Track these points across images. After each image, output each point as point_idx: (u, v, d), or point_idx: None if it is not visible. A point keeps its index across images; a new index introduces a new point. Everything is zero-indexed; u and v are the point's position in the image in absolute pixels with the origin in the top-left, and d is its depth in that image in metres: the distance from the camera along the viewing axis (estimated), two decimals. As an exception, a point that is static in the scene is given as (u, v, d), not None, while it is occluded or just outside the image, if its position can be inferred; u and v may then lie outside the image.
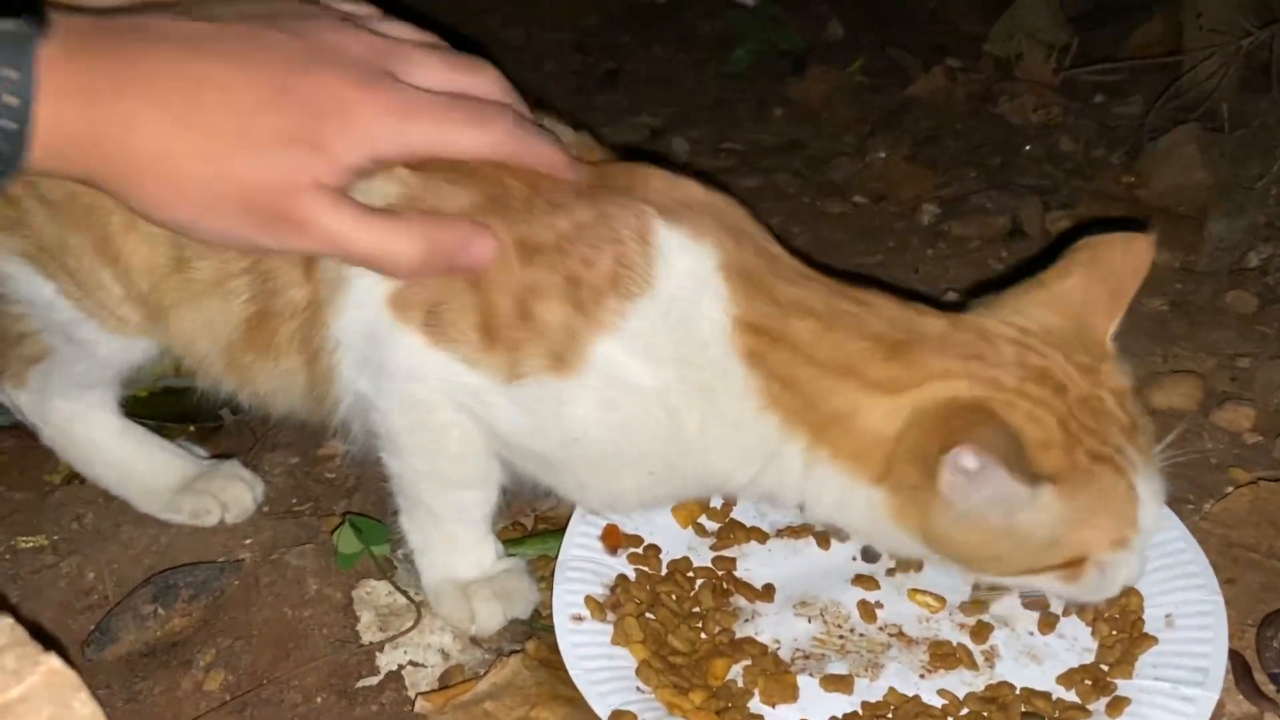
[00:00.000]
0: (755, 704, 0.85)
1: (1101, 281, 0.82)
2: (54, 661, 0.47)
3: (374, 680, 0.90)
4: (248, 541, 1.04)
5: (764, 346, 0.79)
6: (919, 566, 0.95)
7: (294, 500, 1.12)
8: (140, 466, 1.07)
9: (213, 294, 0.87)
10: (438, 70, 0.80)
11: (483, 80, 0.82)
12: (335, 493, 1.12)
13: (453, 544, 0.94)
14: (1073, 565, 0.78)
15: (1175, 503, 0.98)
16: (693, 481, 0.88)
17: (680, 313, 0.80)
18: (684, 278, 0.80)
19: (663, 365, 0.80)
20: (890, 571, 0.95)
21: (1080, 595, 0.82)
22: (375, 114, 0.75)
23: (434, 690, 0.89)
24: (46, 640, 0.49)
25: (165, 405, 1.25)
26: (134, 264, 0.88)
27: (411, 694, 0.89)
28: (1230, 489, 1.02)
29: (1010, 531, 0.77)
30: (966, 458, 0.73)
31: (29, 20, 0.67)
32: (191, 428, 1.24)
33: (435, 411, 0.86)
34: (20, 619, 0.50)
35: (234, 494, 1.06)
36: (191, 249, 0.86)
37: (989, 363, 0.78)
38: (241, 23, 0.75)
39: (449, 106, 0.78)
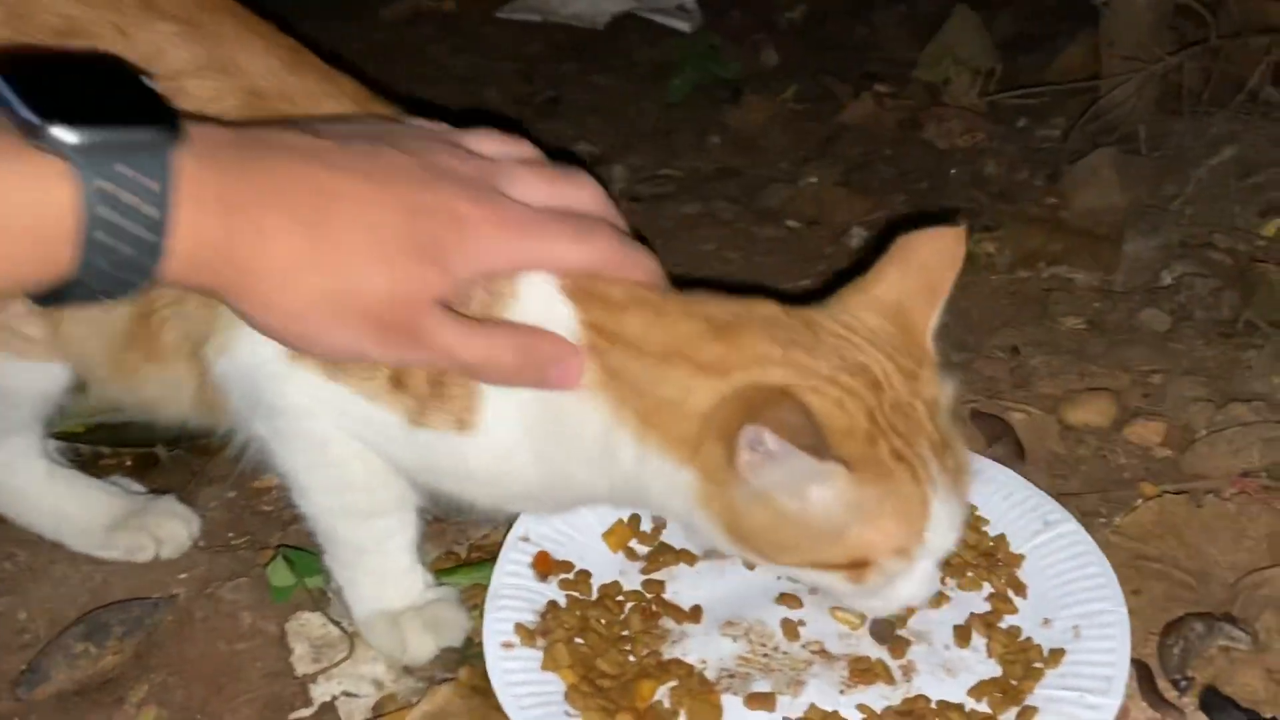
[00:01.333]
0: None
1: (915, 278, 0.83)
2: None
3: (308, 712, 0.92)
4: (182, 576, 1.05)
5: (604, 344, 0.81)
6: (841, 585, 0.98)
7: (230, 534, 1.13)
8: (72, 508, 1.07)
9: None
10: (540, 185, 0.81)
11: (581, 193, 0.83)
12: (272, 526, 1.13)
13: (379, 575, 0.96)
14: (857, 567, 0.79)
15: (1086, 516, 1.02)
16: (568, 498, 0.91)
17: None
18: (537, 302, 0.82)
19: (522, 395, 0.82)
20: (813, 590, 0.98)
21: (865, 602, 0.84)
22: (490, 231, 0.76)
23: (366, 720, 0.90)
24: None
25: (100, 438, 1.26)
26: None
27: (345, 724, 0.90)
28: (1139, 502, 1.06)
29: (801, 517, 0.77)
30: (756, 436, 0.74)
31: (165, 127, 0.66)
32: (128, 461, 1.25)
33: (330, 445, 0.88)
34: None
35: (169, 530, 1.07)
36: None
37: (809, 351, 0.79)
38: (358, 140, 0.76)
39: (553, 221, 0.79)
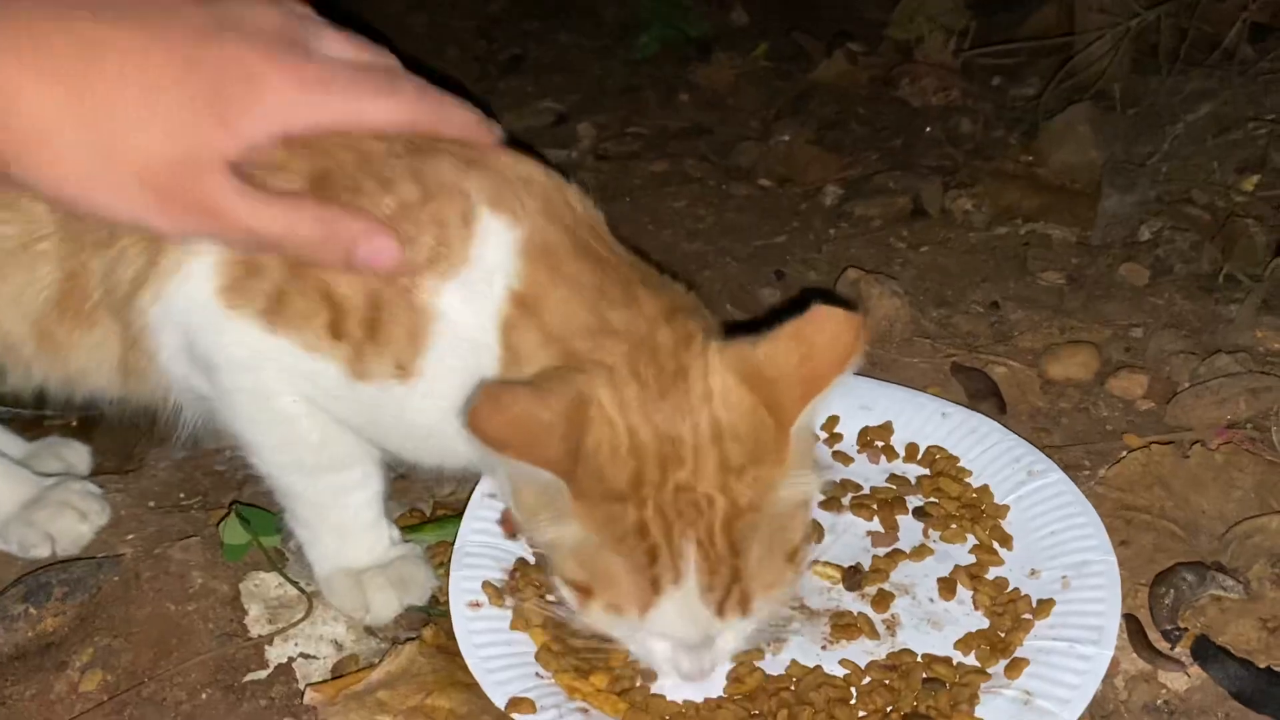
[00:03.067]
0: (657, 683, 0.83)
1: (801, 362, 0.74)
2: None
3: (263, 674, 0.87)
4: (129, 537, 1.00)
5: (518, 316, 0.77)
6: (820, 537, 0.95)
7: (181, 495, 1.08)
8: None
9: (20, 258, 0.81)
10: (344, 45, 0.77)
11: (386, 57, 0.79)
12: (225, 486, 1.08)
13: (341, 531, 0.91)
14: (585, 592, 0.76)
15: (1070, 469, 0.99)
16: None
17: (480, 290, 0.78)
18: (493, 256, 0.78)
19: (462, 347, 0.78)
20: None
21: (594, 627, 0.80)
22: (286, 86, 0.72)
23: (324, 681, 0.85)
24: None
25: (42, 400, 1.20)
26: None
27: (303, 686, 0.86)
28: (1124, 454, 1.03)
29: (544, 504, 0.75)
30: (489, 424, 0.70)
31: None
32: (74, 421, 1.19)
33: (275, 398, 0.83)
34: None
35: (62, 525, 0.98)
36: None
37: (642, 396, 0.74)
38: None
39: (359, 77, 0.75)
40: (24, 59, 0.66)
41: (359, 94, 0.75)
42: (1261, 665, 0.83)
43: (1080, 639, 0.83)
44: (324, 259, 0.76)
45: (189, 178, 0.70)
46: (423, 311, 0.78)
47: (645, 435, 0.73)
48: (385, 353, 0.79)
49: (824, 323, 0.74)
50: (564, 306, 0.77)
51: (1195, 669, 0.84)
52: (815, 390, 0.74)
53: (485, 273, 0.78)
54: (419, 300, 0.77)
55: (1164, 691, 0.83)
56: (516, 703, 0.79)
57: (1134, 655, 0.85)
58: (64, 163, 0.68)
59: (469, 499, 0.96)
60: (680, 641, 0.77)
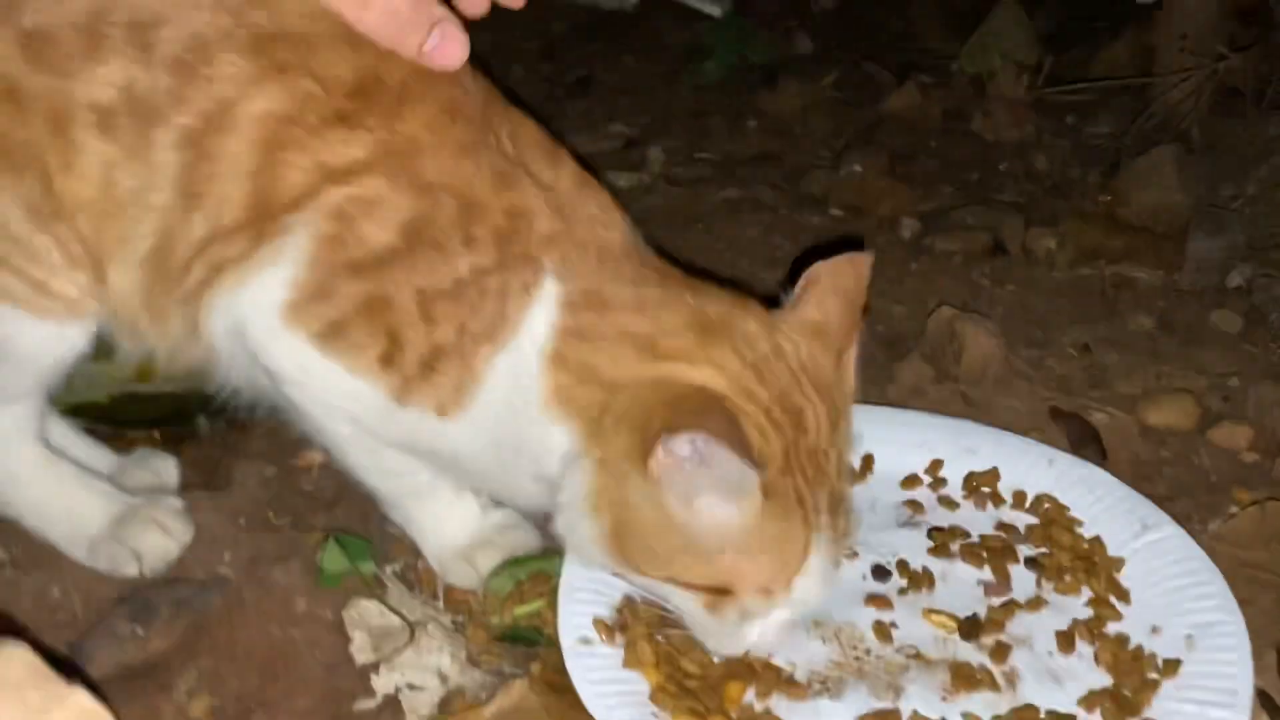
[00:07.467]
0: (776, 728, 0.82)
1: (841, 305, 0.83)
2: (82, 698, 0.42)
3: (371, 704, 0.85)
4: (226, 557, 0.98)
5: (570, 347, 0.81)
6: (931, 585, 0.93)
7: (271, 513, 1.06)
8: (58, 509, 0.96)
9: (128, 210, 0.84)
10: None
11: None
12: (315, 505, 1.07)
13: (432, 514, 0.95)
14: (718, 594, 0.79)
15: (1179, 521, 0.97)
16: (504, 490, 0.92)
17: (526, 350, 0.82)
18: (541, 316, 0.82)
19: (504, 394, 0.82)
20: (902, 591, 0.93)
21: (709, 632, 0.83)
22: None
23: (435, 717, 0.84)
24: (64, 667, 0.45)
25: (129, 411, 1.19)
26: (72, 203, 0.84)
27: (411, 718, 0.84)
28: (1234, 509, 1.02)
29: (685, 529, 0.77)
30: (690, 438, 0.73)
31: None
32: (157, 435, 1.18)
33: (323, 413, 0.88)
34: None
35: (149, 543, 0.96)
36: (119, 168, 0.83)
37: (760, 375, 0.78)
38: None
39: None
40: None
41: None
42: (1399, 735, 0.81)
43: (1212, 701, 0.81)
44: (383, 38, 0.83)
45: None
46: (474, 372, 0.82)
47: (776, 414, 0.77)
48: (434, 393, 0.83)
49: (846, 267, 0.84)
50: (636, 316, 0.81)
51: (1328, 737, 0.82)
52: (856, 325, 0.84)
53: (532, 337, 0.82)
54: (474, 364, 0.82)
55: (1295, 758, 0.82)
56: (638, 742, 0.78)
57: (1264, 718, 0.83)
58: None
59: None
60: (807, 601, 0.80)
